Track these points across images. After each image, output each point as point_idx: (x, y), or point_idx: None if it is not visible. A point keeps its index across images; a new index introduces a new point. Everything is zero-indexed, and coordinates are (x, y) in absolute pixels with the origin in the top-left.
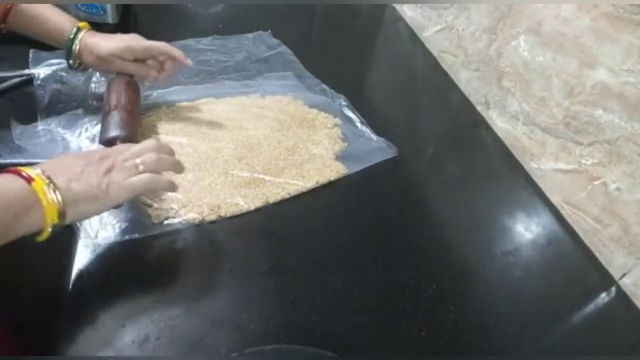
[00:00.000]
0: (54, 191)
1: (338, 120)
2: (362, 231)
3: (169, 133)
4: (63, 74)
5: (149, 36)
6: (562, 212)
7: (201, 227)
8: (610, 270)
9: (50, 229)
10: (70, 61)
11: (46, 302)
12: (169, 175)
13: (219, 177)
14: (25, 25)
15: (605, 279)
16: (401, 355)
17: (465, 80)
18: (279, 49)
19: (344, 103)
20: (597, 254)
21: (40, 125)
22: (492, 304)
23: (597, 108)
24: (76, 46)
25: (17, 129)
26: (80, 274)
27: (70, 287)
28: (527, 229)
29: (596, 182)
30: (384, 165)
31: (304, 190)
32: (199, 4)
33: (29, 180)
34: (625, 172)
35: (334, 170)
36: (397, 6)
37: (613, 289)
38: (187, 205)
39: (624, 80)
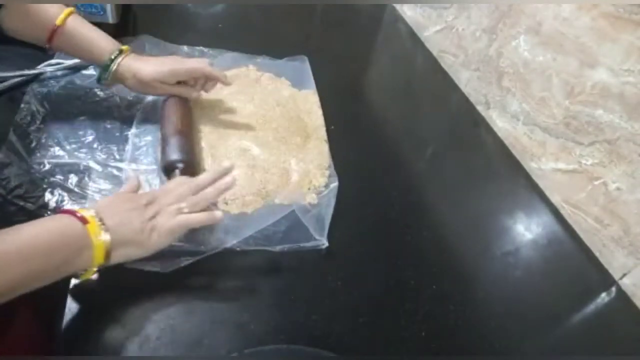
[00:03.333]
0: (104, 233)
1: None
2: (362, 231)
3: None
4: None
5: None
6: (562, 212)
7: None
8: (610, 270)
9: (95, 269)
10: (103, 81)
11: (47, 303)
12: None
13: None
14: (69, 47)
15: (605, 279)
16: (401, 355)
17: (465, 80)
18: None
19: None
20: (597, 254)
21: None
22: (492, 304)
23: (597, 108)
24: (114, 67)
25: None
26: None
27: (71, 287)
28: (527, 229)
29: (596, 182)
30: (384, 166)
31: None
32: (199, 3)
33: (84, 221)
34: (625, 172)
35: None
36: (397, 6)
37: (613, 289)
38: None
39: (624, 80)
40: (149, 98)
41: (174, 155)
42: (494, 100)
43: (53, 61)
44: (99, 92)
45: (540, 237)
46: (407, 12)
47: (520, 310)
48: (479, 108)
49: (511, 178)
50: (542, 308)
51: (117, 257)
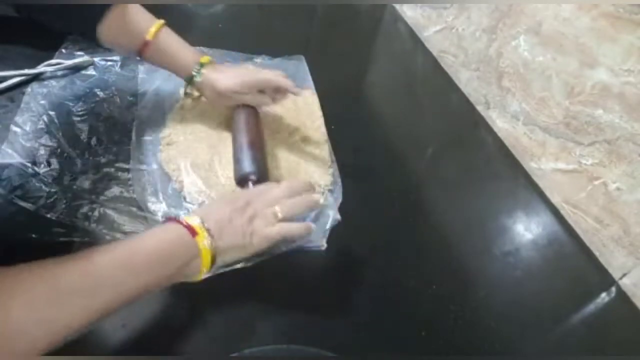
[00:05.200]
0: (211, 241)
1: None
2: (362, 231)
3: None
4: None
5: None
6: (562, 212)
7: None
8: (610, 270)
9: (202, 274)
10: (187, 90)
11: None
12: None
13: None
14: (157, 60)
15: (605, 279)
16: (401, 355)
17: (465, 80)
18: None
19: None
20: (597, 254)
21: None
22: (492, 304)
23: (597, 108)
24: (198, 79)
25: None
26: None
27: None
28: (527, 229)
29: (596, 182)
30: (384, 165)
31: None
32: (198, 4)
33: (193, 233)
34: (625, 172)
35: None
36: (397, 6)
37: (613, 289)
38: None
39: (624, 80)
40: (149, 98)
41: (248, 167)
42: (493, 100)
43: (53, 61)
44: (99, 92)
45: (540, 237)
46: (407, 12)
47: (521, 310)
48: (479, 108)
49: (511, 178)
50: (542, 308)
51: (221, 262)
